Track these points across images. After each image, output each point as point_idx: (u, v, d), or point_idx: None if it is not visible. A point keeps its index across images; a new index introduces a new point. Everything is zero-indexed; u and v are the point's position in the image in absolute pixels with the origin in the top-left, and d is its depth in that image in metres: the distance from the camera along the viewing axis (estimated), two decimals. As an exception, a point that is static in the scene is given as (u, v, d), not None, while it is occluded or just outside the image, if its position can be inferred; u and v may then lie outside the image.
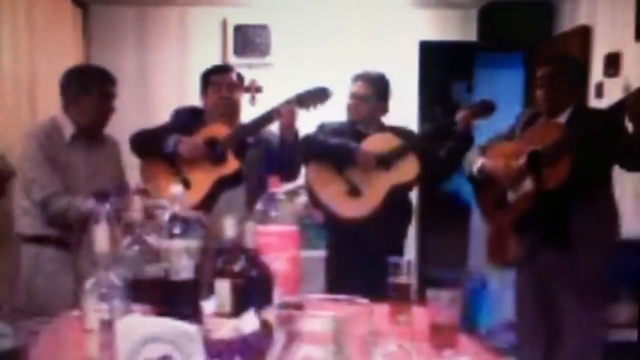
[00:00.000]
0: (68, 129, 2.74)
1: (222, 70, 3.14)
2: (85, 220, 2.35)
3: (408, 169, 3.04)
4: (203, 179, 2.88)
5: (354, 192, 3.07)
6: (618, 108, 2.60)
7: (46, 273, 2.69)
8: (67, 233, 2.64)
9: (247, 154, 2.94)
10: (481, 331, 4.14)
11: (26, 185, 2.70)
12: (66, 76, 2.80)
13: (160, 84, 4.62)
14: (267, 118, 2.93)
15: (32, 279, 2.72)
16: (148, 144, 2.97)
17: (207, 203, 2.81)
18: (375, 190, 3.03)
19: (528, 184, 2.77)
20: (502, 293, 3.93)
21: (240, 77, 3.09)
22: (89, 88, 2.74)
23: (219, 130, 2.93)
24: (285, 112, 2.87)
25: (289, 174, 2.87)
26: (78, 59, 4.18)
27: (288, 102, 2.90)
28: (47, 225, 2.68)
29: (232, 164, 2.89)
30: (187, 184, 2.83)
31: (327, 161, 3.09)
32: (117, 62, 4.51)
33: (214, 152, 2.90)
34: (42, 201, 2.64)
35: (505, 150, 2.93)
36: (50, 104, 3.12)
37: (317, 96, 2.90)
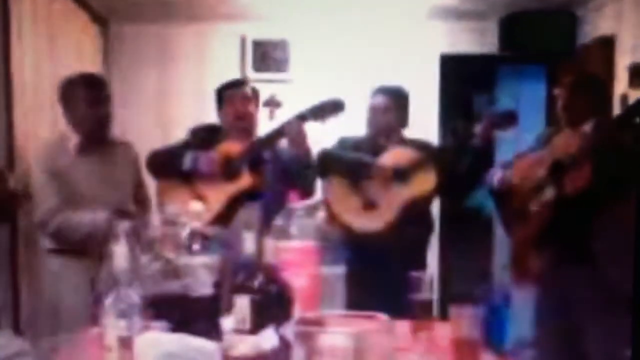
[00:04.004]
0: (74, 140, 2.77)
1: (235, 84, 3.11)
2: (104, 234, 2.34)
3: (425, 182, 2.99)
4: (218, 195, 2.87)
5: (370, 205, 3.03)
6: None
7: (69, 286, 2.69)
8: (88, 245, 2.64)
9: (264, 169, 2.93)
10: (504, 347, 4.08)
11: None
12: (59, 89, 2.84)
13: (180, 101, 4.65)
14: (277, 133, 2.91)
15: (56, 292, 2.73)
16: (165, 162, 2.97)
17: (223, 219, 2.79)
18: (391, 203, 2.99)
19: (549, 193, 2.72)
20: (526, 309, 3.87)
21: (254, 91, 3.07)
22: (77, 96, 2.76)
23: (234, 146, 2.92)
24: (290, 132, 2.85)
25: (304, 191, 2.84)
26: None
27: (300, 116, 2.86)
28: (53, 242, 2.71)
29: (247, 179, 2.87)
30: (202, 200, 2.82)
31: (343, 175, 3.06)
32: (137, 78, 4.57)
33: (229, 168, 2.89)
34: (39, 222, 2.69)
35: (528, 162, 2.90)
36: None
37: (330, 108, 2.87)
